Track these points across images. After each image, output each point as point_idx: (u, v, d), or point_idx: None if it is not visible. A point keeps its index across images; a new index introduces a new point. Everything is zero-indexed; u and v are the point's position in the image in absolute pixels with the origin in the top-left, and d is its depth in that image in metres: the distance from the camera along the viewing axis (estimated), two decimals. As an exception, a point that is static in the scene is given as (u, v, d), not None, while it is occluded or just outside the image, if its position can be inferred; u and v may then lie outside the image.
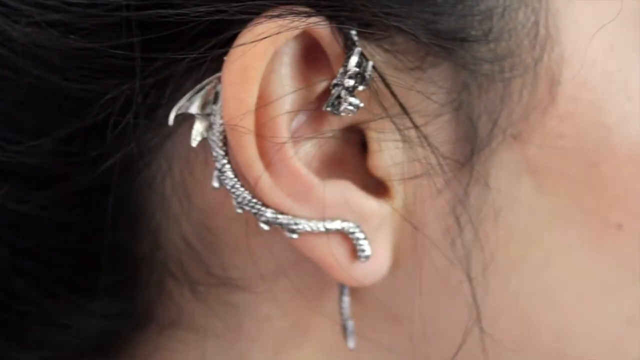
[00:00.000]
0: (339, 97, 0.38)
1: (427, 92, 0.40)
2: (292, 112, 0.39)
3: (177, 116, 0.40)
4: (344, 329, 0.44)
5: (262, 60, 0.38)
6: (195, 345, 0.46)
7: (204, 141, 0.40)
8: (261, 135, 0.39)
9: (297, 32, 0.38)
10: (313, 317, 0.45)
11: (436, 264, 0.42)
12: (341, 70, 0.38)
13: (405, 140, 0.40)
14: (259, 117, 0.38)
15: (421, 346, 0.44)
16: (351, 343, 0.44)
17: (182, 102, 0.39)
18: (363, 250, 0.41)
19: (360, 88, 0.38)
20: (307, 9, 0.37)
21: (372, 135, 0.40)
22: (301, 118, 0.40)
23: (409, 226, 0.42)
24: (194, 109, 0.39)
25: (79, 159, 0.41)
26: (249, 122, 0.38)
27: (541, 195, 0.42)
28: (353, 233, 0.40)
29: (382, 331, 0.45)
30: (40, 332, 0.47)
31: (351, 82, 0.38)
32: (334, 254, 0.40)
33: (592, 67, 0.41)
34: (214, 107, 0.39)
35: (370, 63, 0.38)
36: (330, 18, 0.38)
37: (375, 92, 0.39)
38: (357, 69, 0.38)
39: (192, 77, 0.40)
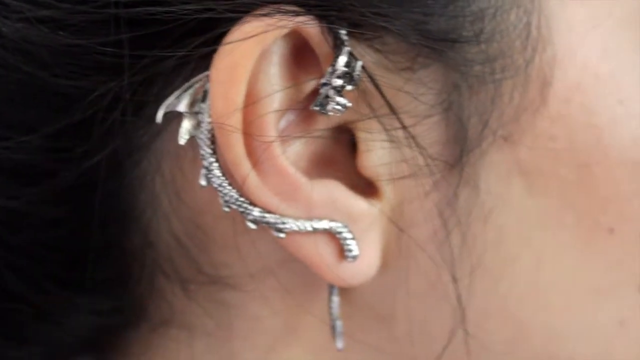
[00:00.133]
0: (327, 96, 0.38)
1: (416, 92, 0.39)
2: (280, 111, 0.39)
3: (166, 114, 0.40)
4: (333, 329, 0.44)
5: (249, 59, 0.37)
6: (187, 343, 0.46)
7: (194, 139, 0.40)
8: (249, 133, 0.39)
9: (285, 31, 0.37)
10: (303, 317, 0.45)
11: (424, 266, 0.42)
12: (329, 69, 0.38)
13: (392, 140, 0.40)
14: (246, 115, 0.38)
15: (409, 348, 0.44)
16: (339, 343, 0.44)
17: (170, 99, 0.39)
18: (350, 251, 0.40)
19: (349, 88, 0.38)
20: (295, 8, 0.37)
21: (361, 135, 0.40)
22: (291, 117, 0.40)
23: (399, 227, 0.42)
24: (182, 107, 0.39)
25: (69, 156, 0.41)
26: (236, 121, 0.38)
27: (532, 196, 0.42)
28: (340, 233, 0.40)
29: (371, 332, 0.44)
30: (32, 328, 0.47)
31: (339, 82, 0.38)
32: (321, 253, 0.40)
33: (585, 69, 0.41)
34: (203, 105, 0.39)
35: (360, 63, 0.38)
36: (320, 18, 0.38)
37: (363, 92, 0.39)
38: (346, 69, 0.38)
39: (182, 75, 0.40)
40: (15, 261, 0.45)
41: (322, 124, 0.40)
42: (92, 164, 0.41)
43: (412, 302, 0.43)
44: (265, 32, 0.37)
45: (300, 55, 0.39)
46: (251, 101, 0.38)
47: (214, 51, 0.38)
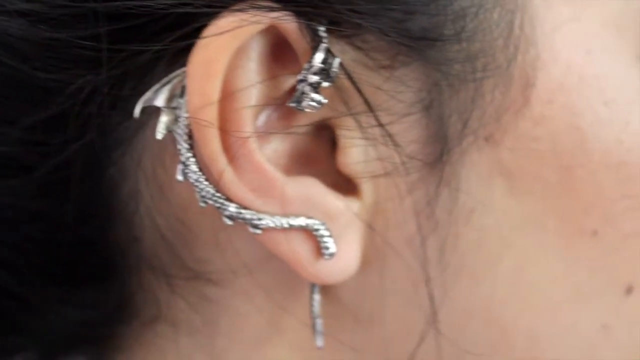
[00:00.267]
0: (303, 92, 0.38)
1: (395, 90, 0.39)
2: (257, 106, 0.39)
3: (147, 109, 0.40)
4: (314, 327, 0.44)
5: (225, 54, 0.37)
6: (174, 339, 0.46)
7: (174, 134, 0.40)
8: (225, 129, 0.38)
9: (261, 27, 0.37)
10: (286, 315, 0.45)
11: (403, 265, 0.42)
12: (306, 66, 0.38)
13: (369, 138, 0.39)
14: (223, 111, 0.38)
15: (386, 349, 0.44)
16: (319, 342, 0.44)
17: (148, 94, 0.39)
18: (327, 248, 0.40)
19: (325, 85, 0.38)
20: (269, 4, 0.37)
21: (340, 133, 0.40)
22: (271, 114, 0.40)
23: (379, 225, 0.41)
24: (159, 101, 0.39)
25: (48, 149, 0.41)
26: (212, 116, 0.38)
27: (513, 198, 0.41)
28: (317, 230, 0.40)
29: (354, 331, 0.44)
30: (21, 322, 0.48)
31: (315, 78, 0.38)
32: (298, 250, 0.40)
33: (569, 71, 0.41)
34: (181, 100, 0.39)
35: (337, 60, 0.38)
36: (298, 14, 0.38)
37: (341, 89, 0.39)
38: (322, 65, 0.38)
39: (162, 70, 0.40)
40: (1, 255, 0.45)
41: (302, 121, 0.40)
42: (74, 157, 0.41)
43: (390, 302, 0.42)
44: (240, 27, 0.37)
45: (279, 51, 0.39)
46: (227, 96, 0.38)
47: (191, 45, 0.38)
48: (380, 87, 0.39)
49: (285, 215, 0.40)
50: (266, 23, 0.37)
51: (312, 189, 0.40)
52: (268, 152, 0.40)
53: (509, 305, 0.43)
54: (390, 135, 0.39)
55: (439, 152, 0.40)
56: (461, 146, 0.40)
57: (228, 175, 0.39)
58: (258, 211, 0.40)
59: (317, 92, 0.38)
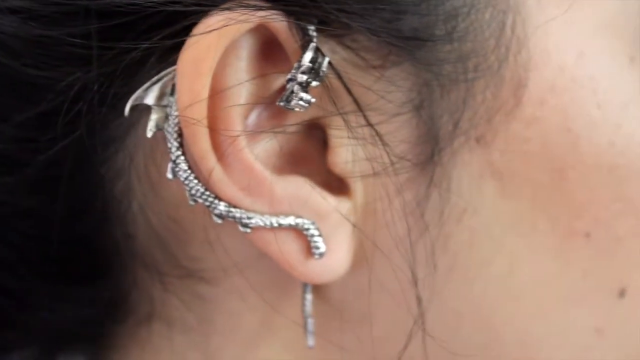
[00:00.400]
0: (292, 92, 0.38)
1: (385, 90, 0.39)
2: (246, 105, 0.39)
3: (139, 106, 0.40)
4: (305, 327, 0.44)
5: (214, 53, 0.38)
6: (168, 337, 0.46)
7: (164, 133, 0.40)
8: (215, 127, 0.39)
9: (249, 25, 0.37)
10: (278, 314, 0.45)
11: (392, 266, 0.41)
12: (295, 65, 0.38)
13: (359, 137, 0.39)
14: (212, 109, 0.38)
15: (377, 349, 0.43)
16: (310, 341, 0.44)
17: (139, 92, 0.39)
18: (317, 248, 0.40)
19: (314, 84, 0.38)
20: (258, 3, 0.37)
21: (331, 132, 0.40)
22: (261, 113, 0.40)
23: (369, 225, 0.41)
24: (149, 99, 0.39)
25: (39, 146, 0.41)
26: (201, 114, 0.38)
27: (505, 199, 0.41)
28: (307, 229, 0.40)
29: (343, 331, 0.44)
30: (17, 319, 0.48)
31: (304, 78, 0.38)
32: (288, 249, 0.40)
33: (561, 72, 0.41)
34: (171, 99, 0.39)
35: (327, 59, 0.38)
36: (287, 13, 0.38)
37: (331, 89, 0.39)
38: (311, 65, 0.38)
39: (152, 68, 0.40)
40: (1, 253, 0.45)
41: (292, 120, 0.40)
42: (64, 154, 0.41)
43: (380, 303, 0.42)
44: (227, 25, 0.37)
45: (270, 50, 0.39)
46: (217, 94, 0.38)
47: (181, 44, 0.38)
48: (370, 87, 0.39)
49: (275, 214, 0.40)
50: (255, 22, 0.37)
51: (302, 188, 0.40)
52: (258, 151, 0.40)
53: (500, 307, 0.43)
54: (379, 135, 0.39)
55: (430, 153, 0.40)
56: (452, 147, 0.40)
57: (217, 174, 0.39)
58: (247, 210, 0.40)
59: (306, 92, 0.38)
